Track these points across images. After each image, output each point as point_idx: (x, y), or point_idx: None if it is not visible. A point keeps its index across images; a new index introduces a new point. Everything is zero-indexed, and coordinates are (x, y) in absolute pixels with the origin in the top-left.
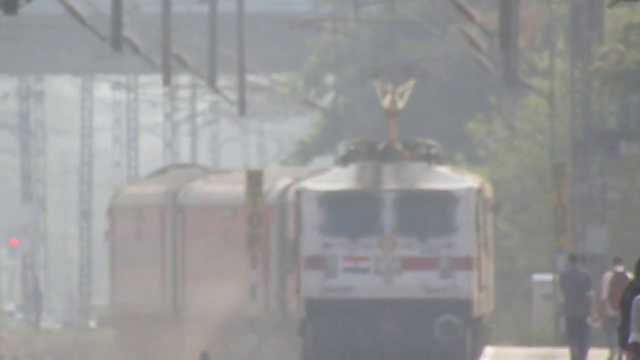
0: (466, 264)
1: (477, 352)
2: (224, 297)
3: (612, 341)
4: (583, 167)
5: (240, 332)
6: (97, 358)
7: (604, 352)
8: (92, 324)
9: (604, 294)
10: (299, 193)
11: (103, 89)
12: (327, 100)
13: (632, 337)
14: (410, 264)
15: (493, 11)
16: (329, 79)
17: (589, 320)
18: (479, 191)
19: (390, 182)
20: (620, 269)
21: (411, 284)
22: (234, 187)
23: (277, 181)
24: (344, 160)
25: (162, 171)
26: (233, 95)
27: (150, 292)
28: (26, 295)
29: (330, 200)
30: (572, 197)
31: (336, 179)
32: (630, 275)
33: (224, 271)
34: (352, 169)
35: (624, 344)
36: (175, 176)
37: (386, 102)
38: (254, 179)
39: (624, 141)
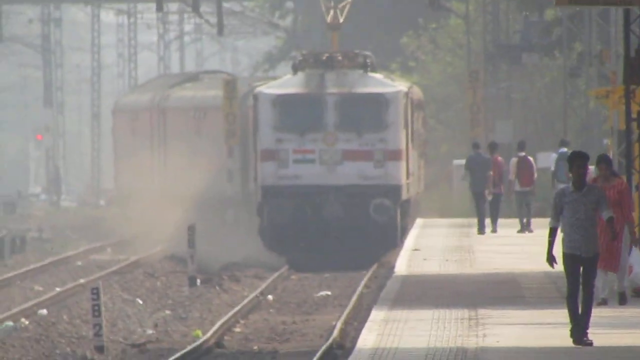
0: (396, 155)
1: (406, 228)
2: (205, 180)
3: (521, 212)
4: (493, 74)
5: (220, 208)
6: (107, 228)
7: (516, 221)
8: (102, 202)
9: (512, 175)
10: (255, 96)
11: (109, 15)
12: (288, 21)
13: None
14: (350, 155)
15: None
16: (289, 4)
17: (486, 192)
18: (407, 94)
19: (332, 86)
20: (522, 153)
21: (350, 173)
22: (205, 92)
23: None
24: (293, 69)
25: (193, 77)
26: (213, 19)
27: (144, 177)
28: (49, 180)
29: (282, 102)
30: (485, 98)
31: (287, 84)
32: (531, 159)
33: (203, 160)
34: (300, 76)
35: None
36: (161, 84)
37: (329, 16)
38: (230, 85)
39: (526, 53)
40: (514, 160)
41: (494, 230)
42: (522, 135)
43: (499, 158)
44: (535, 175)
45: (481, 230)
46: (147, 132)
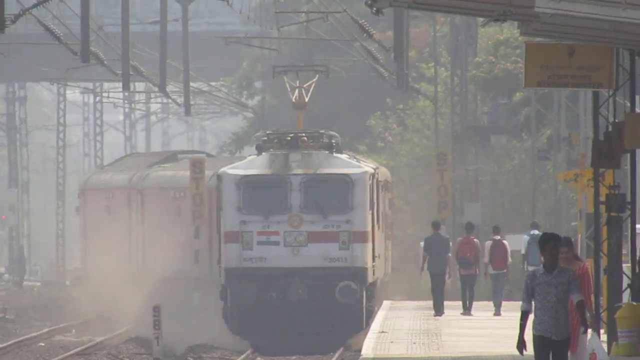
0: (362, 237)
1: (372, 310)
2: (176, 261)
3: (495, 296)
4: (461, 155)
5: (186, 289)
6: (72, 309)
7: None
8: (68, 282)
9: (486, 258)
10: (219, 177)
11: (75, 94)
12: (255, 101)
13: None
14: (315, 237)
15: (389, 30)
16: (257, 84)
17: (446, 276)
18: (373, 174)
19: (297, 167)
20: (497, 237)
21: (315, 255)
22: (185, 172)
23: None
24: (258, 149)
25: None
26: (180, 98)
27: (115, 256)
28: (12, 260)
29: (246, 183)
30: (453, 179)
31: (251, 165)
32: (506, 242)
33: (180, 240)
34: (264, 156)
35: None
36: (136, 163)
37: (294, 96)
38: (197, 166)
39: (494, 135)
40: (488, 243)
41: (469, 312)
42: (490, 217)
43: (475, 239)
44: (510, 259)
45: (438, 312)
46: (124, 210)
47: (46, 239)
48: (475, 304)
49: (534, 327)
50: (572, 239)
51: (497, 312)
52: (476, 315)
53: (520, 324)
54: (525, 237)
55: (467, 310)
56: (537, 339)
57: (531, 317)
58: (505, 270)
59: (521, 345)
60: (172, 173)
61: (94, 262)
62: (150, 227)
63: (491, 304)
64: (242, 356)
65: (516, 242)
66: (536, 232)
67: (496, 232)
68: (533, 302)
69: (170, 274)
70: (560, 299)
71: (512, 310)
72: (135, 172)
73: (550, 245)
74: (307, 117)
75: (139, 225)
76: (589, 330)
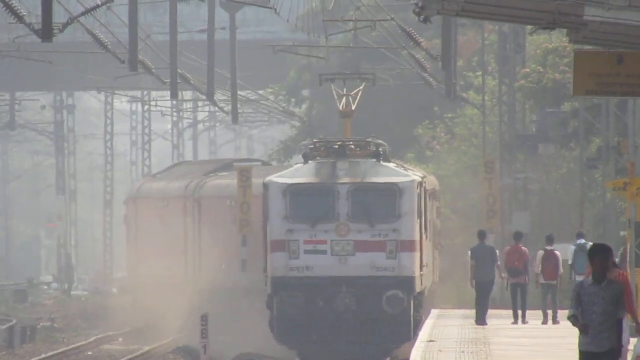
0: (409, 246)
1: (419, 320)
2: (222, 269)
3: (544, 304)
4: (509, 164)
5: (235, 298)
6: (119, 317)
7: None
8: (115, 290)
9: (537, 268)
10: (266, 186)
11: (122, 102)
12: (302, 109)
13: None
14: (362, 246)
15: (437, 39)
16: (305, 92)
17: (494, 285)
18: (421, 183)
19: (344, 176)
20: (550, 247)
21: (362, 264)
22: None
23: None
24: (305, 157)
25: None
26: (227, 107)
27: (168, 265)
28: (60, 268)
29: (293, 192)
30: (501, 188)
31: (298, 174)
32: (558, 253)
33: (235, 248)
34: (311, 165)
35: None
36: (190, 171)
37: (341, 104)
38: (244, 174)
39: (542, 143)
40: (540, 253)
41: (524, 320)
42: (539, 226)
43: (523, 248)
44: (562, 269)
45: (479, 321)
46: (179, 219)
47: (94, 248)
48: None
49: (580, 343)
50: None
51: (553, 321)
52: (529, 324)
53: (572, 323)
54: (572, 247)
55: (518, 318)
56: (583, 355)
57: (576, 333)
58: (556, 281)
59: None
60: (228, 182)
61: (145, 271)
62: (207, 235)
63: (539, 312)
64: None
65: (563, 252)
66: (582, 241)
67: (549, 242)
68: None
69: (220, 284)
70: (606, 310)
71: (560, 319)
72: (190, 181)
73: (599, 256)
74: (355, 125)
75: (195, 234)
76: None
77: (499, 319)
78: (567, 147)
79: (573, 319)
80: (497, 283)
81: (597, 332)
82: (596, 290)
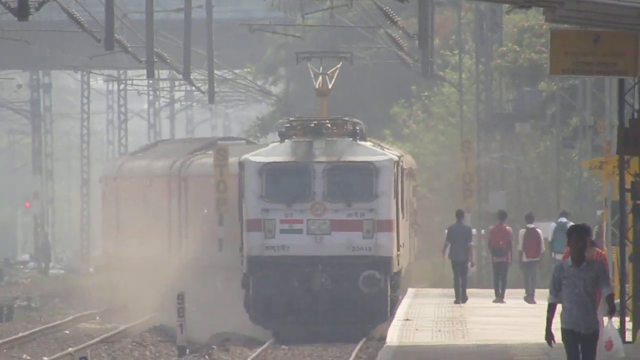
0: (386, 226)
1: (395, 301)
2: (201, 248)
3: (527, 282)
4: (486, 143)
5: (210, 276)
6: (96, 296)
7: (521, 291)
8: (92, 269)
9: (520, 246)
10: (241, 165)
11: (98, 81)
12: (279, 88)
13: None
14: (338, 226)
15: (414, 18)
16: (281, 71)
17: (469, 264)
18: (397, 162)
19: (321, 155)
20: (531, 225)
21: (339, 243)
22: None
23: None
24: (281, 136)
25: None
26: (204, 86)
27: (151, 244)
28: (37, 248)
29: (268, 171)
30: (478, 167)
31: (274, 152)
32: (539, 231)
33: (209, 228)
34: (287, 143)
35: None
36: (174, 150)
37: (317, 83)
38: (221, 153)
39: (519, 122)
40: (522, 231)
41: (501, 300)
42: (516, 205)
43: (507, 227)
44: (543, 247)
45: (457, 300)
46: (164, 198)
47: (71, 227)
48: (506, 291)
49: (562, 321)
50: (595, 226)
51: (530, 300)
52: (507, 303)
53: (547, 317)
54: (553, 225)
55: (499, 297)
56: (565, 333)
57: (559, 310)
58: (538, 259)
59: (549, 337)
60: None
61: (125, 249)
62: (192, 214)
63: (520, 291)
64: (264, 345)
65: (544, 230)
66: (564, 219)
67: (529, 220)
68: (560, 295)
69: (198, 263)
70: (588, 292)
71: (540, 298)
72: (175, 159)
73: (577, 237)
74: (331, 104)
75: (181, 212)
76: (604, 318)
77: (478, 297)
78: (547, 131)
79: (550, 308)
80: (470, 262)
81: (582, 314)
82: (576, 272)
